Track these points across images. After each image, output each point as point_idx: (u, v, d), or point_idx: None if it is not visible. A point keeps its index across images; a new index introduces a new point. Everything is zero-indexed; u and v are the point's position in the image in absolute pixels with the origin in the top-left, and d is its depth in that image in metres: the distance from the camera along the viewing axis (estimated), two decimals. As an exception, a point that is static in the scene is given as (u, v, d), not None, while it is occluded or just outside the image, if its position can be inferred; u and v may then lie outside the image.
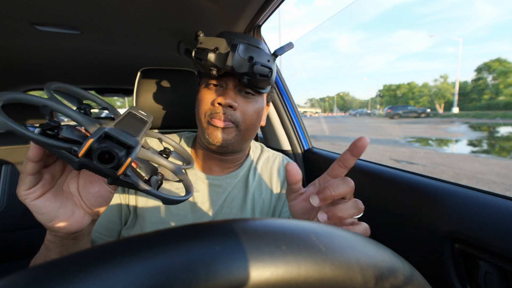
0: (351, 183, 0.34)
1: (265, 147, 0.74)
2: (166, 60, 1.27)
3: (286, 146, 0.98)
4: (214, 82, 0.55)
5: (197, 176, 0.61)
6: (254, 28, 0.88)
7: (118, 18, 0.80)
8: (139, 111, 0.39)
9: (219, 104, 0.53)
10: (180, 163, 0.47)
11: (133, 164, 0.34)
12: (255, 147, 0.72)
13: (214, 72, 0.52)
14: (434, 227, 0.45)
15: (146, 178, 0.36)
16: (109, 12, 0.75)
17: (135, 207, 0.56)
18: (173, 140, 0.49)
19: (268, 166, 0.68)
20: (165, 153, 0.42)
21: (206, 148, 0.60)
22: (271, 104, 0.98)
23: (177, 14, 0.78)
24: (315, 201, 0.33)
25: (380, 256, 0.17)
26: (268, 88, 0.58)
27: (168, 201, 0.33)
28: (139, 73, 0.80)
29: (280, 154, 0.73)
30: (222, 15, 0.77)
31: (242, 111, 0.54)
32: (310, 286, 0.15)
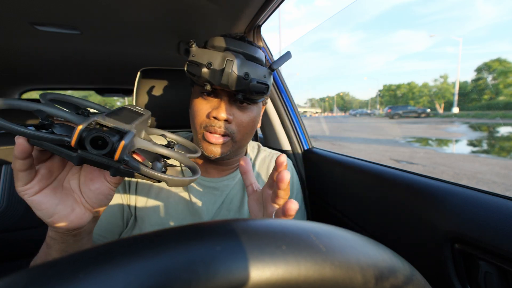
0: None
1: (261, 147, 0.74)
2: (166, 60, 1.27)
3: (286, 146, 0.98)
4: (210, 96, 0.54)
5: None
6: (254, 28, 0.88)
7: (118, 18, 0.80)
8: (135, 107, 0.39)
9: (214, 117, 0.52)
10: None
11: (136, 157, 0.34)
12: (252, 147, 0.72)
13: (208, 88, 0.50)
14: (434, 227, 0.45)
15: (149, 165, 0.35)
16: (109, 12, 0.75)
17: (135, 209, 0.57)
18: (178, 135, 0.48)
19: (264, 165, 0.68)
20: (169, 146, 0.41)
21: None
22: (270, 103, 0.98)
23: (177, 14, 0.77)
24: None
25: (380, 256, 0.17)
26: (264, 97, 0.57)
27: (174, 182, 0.33)
28: (139, 73, 0.80)
29: (277, 153, 0.73)
30: (222, 15, 0.77)
31: (238, 122, 0.54)
32: (310, 286, 0.15)
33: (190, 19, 0.82)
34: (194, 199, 0.58)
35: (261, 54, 0.52)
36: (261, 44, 0.93)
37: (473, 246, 0.40)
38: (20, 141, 0.28)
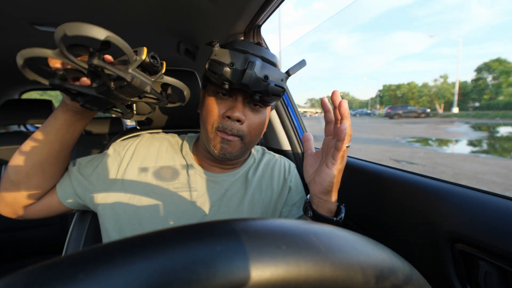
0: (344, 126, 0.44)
1: (266, 150, 0.75)
2: (166, 60, 1.27)
3: (286, 146, 0.98)
4: (223, 91, 0.55)
5: (195, 170, 0.61)
6: (254, 28, 0.88)
7: (118, 19, 0.80)
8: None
9: (228, 117, 0.53)
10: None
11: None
12: (256, 150, 0.73)
13: (227, 86, 0.51)
14: (434, 227, 0.45)
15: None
16: (109, 12, 0.75)
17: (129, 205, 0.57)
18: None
19: (269, 168, 0.69)
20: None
21: (207, 152, 0.61)
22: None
23: (177, 14, 0.78)
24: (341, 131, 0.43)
25: (380, 256, 0.17)
26: (276, 102, 0.59)
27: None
28: (139, 73, 0.79)
29: (281, 157, 0.75)
30: (222, 15, 0.77)
31: (249, 123, 0.55)
32: (310, 286, 0.15)
33: (190, 19, 0.82)
34: (193, 191, 0.59)
35: (277, 60, 0.55)
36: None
37: (473, 246, 0.40)
38: None
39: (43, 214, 0.58)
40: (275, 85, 0.51)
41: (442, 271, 0.43)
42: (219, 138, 0.54)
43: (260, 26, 0.89)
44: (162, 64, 0.44)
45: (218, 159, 0.59)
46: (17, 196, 0.53)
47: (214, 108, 0.55)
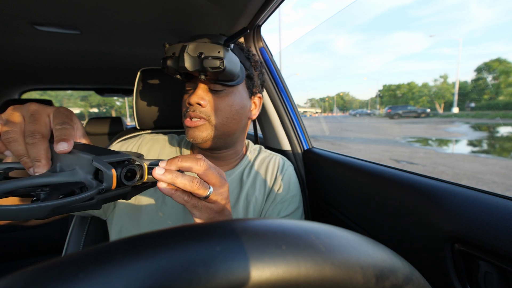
0: (200, 162, 0.37)
1: (263, 149, 0.75)
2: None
3: (286, 146, 0.98)
4: (189, 87, 0.59)
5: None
6: (254, 28, 0.88)
7: (118, 18, 0.80)
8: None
9: (189, 104, 0.56)
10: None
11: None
12: (253, 149, 0.73)
13: (178, 76, 0.56)
14: (434, 227, 0.45)
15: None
16: (109, 12, 0.75)
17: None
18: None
19: (263, 165, 0.69)
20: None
21: (198, 147, 0.62)
22: (270, 104, 0.98)
23: (176, 14, 0.78)
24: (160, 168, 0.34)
25: (380, 255, 0.17)
26: (239, 80, 0.58)
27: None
28: (139, 73, 0.80)
29: (278, 154, 0.74)
30: (221, 15, 0.77)
31: (213, 106, 0.57)
32: (310, 286, 0.15)
33: (190, 19, 0.82)
34: None
35: (221, 39, 0.55)
36: (261, 44, 0.93)
37: (473, 246, 0.40)
38: None
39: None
40: (212, 58, 0.51)
41: (442, 271, 0.43)
42: (187, 127, 0.57)
43: (260, 26, 0.89)
44: (142, 175, 0.33)
45: (205, 149, 0.60)
46: None
47: (183, 102, 0.60)
